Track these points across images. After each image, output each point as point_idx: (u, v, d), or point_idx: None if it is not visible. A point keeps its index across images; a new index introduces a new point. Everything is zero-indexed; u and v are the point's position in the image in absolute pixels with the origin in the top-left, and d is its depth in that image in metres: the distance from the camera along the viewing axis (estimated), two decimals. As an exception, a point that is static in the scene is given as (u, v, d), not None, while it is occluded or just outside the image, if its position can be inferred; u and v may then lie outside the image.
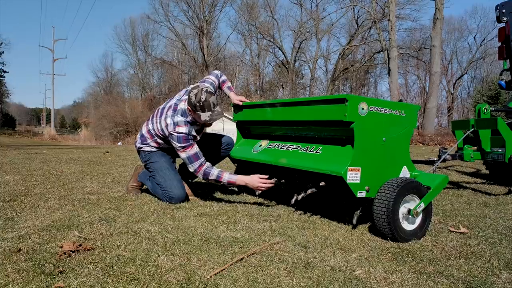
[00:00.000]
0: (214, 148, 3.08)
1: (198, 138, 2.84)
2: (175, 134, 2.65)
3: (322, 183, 2.26)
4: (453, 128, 3.66)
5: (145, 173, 3.02)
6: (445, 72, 34.28)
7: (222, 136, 3.16)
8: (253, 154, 2.77)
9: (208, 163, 2.71)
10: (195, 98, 2.59)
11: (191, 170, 2.68)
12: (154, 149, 2.91)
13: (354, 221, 2.17)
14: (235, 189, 3.31)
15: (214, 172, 2.66)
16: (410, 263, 1.69)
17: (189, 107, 2.65)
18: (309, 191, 2.36)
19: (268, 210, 2.60)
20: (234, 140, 3.16)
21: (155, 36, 41.28)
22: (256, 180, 2.62)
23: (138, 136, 3.00)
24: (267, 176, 2.64)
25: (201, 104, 2.58)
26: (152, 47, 43.14)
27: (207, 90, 2.63)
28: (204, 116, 2.62)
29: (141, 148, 2.95)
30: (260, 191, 2.68)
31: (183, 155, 2.67)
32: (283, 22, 45.91)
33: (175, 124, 2.67)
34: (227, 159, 3.21)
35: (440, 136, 15.23)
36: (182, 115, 2.70)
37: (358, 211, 2.17)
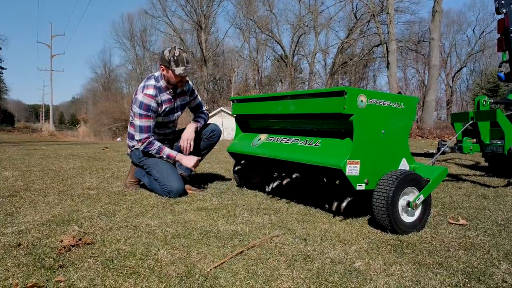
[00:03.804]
0: (198, 137, 3.10)
1: (171, 119, 3.00)
2: (140, 98, 2.77)
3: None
4: (452, 120, 3.66)
5: (141, 169, 3.02)
6: (444, 65, 34.26)
7: (207, 124, 3.20)
8: (252, 148, 2.77)
9: (153, 138, 2.84)
10: (169, 53, 2.74)
11: (137, 138, 2.83)
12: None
13: (342, 208, 2.12)
14: (235, 183, 3.31)
15: (156, 145, 2.81)
16: (410, 255, 1.69)
17: (162, 66, 2.77)
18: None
19: (267, 204, 2.60)
20: (231, 132, 3.19)
21: (153, 31, 41.27)
22: (192, 160, 2.84)
23: (127, 139, 3.07)
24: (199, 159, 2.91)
25: (175, 58, 2.72)
26: (150, 42, 43.10)
27: (180, 47, 2.83)
28: (179, 70, 2.74)
29: (133, 146, 2.96)
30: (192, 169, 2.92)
31: (137, 122, 2.79)
32: (281, 16, 45.89)
33: (144, 87, 2.82)
34: (226, 154, 3.21)
35: (439, 130, 15.27)
36: (155, 80, 2.85)
37: (346, 200, 2.13)
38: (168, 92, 2.88)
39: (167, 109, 2.90)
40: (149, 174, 2.90)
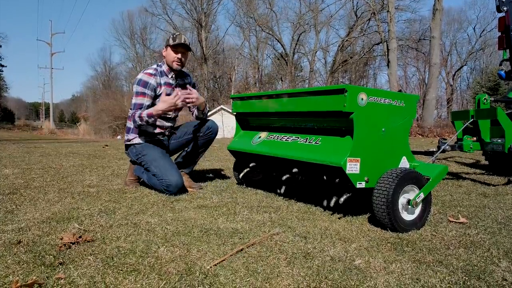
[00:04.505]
0: (194, 134, 3.08)
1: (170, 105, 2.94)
2: (139, 76, 2.85)
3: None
4: (452, 118, 3.65)
5: (140, 166, 3.01)
6: (444, 64, 34.22)
7: (205, 121, 3.13)
8: (252, 146, 2.77)
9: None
10: (171, 34, 2.96)
11: (129, 114, 2.87)
12: (142, 140, 2.94)
13: (332, 204, 2.16)
14: (235, 181, 3.31)
15: (137, 112, 2.78)
16: (410, 252, 1.69)
17: (164, 48, 2.95)
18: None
19: (267, 202, 2.60)
20: (227, 129, 3.18)
21: (153, 29, 41.27)
22: (168, 100, 2.69)
23: (125, 134, 3.08)
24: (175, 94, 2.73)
25: (174, 36, 2.89)
26: (150, 40, 43.09)
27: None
28: (174, 42, 2.85)
29: (129, 141, 2.97)
30: (181, 105, 2.77)
31: (133, 100, 2.85)
32: (281, 14, 45.84)
33: (145, 68, 2.93)
34: (226, 152, 3.21)
35: (440, 128, 15.26)
36: (157, 65, 2.97)
37: (344, 196, 2.14)
38: (169, 77, 2.96)
39: (165, 92, 2.91)
40: (147, 171, 2.89)
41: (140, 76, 2.84)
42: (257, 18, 33.10)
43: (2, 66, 44.23)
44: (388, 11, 19.42)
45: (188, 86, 2.93)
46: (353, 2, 29.08)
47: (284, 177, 2.52)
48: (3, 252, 1.57)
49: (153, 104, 2.86)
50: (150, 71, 2.87)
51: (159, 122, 3.00)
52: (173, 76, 2.96)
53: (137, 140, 2.94)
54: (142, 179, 3.03)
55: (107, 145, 8.27)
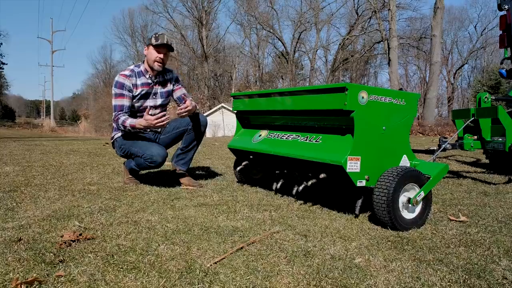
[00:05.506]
0: (183, 128, 3.05)
1: (147, 104, 2.95)
2: (116, 78, 2.89)
3: (322, 175, 2.23)
4: (453, 117, 3.65)
5: (128, 160, 3.05)
6: (445, 62, 34.19)
7: (194, 115, 3.05)
8: (252, 144, 2.77)
9: (121, 114, 2.83)
10: (153, 33, 2.93)
11: (113, 116, 2.89)
12: (122, 133, 2.97)
13: (357, 211, 2.17)
14: (235, 179, 3.31)
15: (122, 118, 2.81)
16: (410, 251, 1.69)
17: (146, 47, 2.92)
18: (310, 182, 2.31)
19: (268, 200, 2.60)
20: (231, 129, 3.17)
21: (154, 27, 41.11)
22: (150, 119, 2.67)
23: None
24: (159, 115, 2.70)
25: (157, 36, 2.86)
26: (151, 38, 42.99)
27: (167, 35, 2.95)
28: (156, 42, 2.84)
29: (113, 137, 3.03)
30: (161, 127, 2.80)
31: (113, 102, 2.88)
32: (282, 12, 45.81)
33: (122, 70, 2.94)
34: (226, 150, 3.21)
35: (440, 126, 15.24)
36: (135, 66, 2.97)
37: (360, 200, 2.16)
38: (147, 76, 2.94)
39: (143, 92, 2.92)
40: (132, 157, 2.93)
41: (116, 78, 2.87)
42: (258, 16, 33.07)
43: (3, 63, 44.28)
44: (389, 9, 19.39)
45: (185, 98, 2.98)
46: (354, 0, 29.05)
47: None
48: (4, 249, 1.57)
49: (133, 106, 2.90)
50: (126, 72, 2.88)
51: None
52: (151, 75, 2.94)
53: (118, 134, 2.99)
54: (140, 173, 3.02)
55: (107, 143, 8.26)
